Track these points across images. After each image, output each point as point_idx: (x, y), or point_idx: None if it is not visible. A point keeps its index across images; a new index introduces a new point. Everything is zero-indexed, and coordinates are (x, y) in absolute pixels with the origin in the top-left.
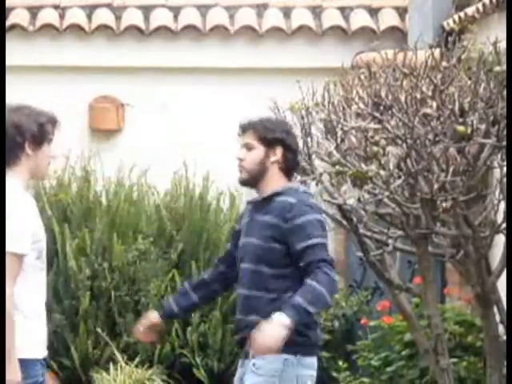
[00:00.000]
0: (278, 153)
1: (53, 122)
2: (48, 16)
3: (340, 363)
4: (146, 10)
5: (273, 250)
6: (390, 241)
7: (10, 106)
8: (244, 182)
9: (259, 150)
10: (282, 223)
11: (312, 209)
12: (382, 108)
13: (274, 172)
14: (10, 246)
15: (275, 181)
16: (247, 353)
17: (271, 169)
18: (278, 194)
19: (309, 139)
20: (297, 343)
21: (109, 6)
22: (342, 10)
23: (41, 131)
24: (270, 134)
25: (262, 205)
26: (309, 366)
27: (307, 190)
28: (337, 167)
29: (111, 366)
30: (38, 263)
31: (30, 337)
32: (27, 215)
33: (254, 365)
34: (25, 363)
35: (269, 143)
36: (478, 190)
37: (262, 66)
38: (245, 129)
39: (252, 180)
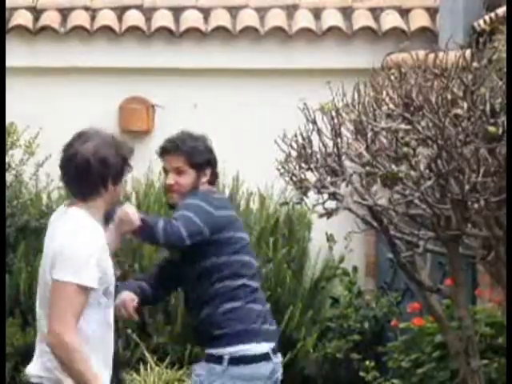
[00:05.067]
0: (208, 173)
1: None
2: (79, 18)
3: (370, 365)
4: (177, 12)
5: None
6: (420, 242)
7: (87, 133)
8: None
9: (191, 175)
10: None
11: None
12: (412, 109)
13: (203, 188)
14: (75, 277)
15: None
16: None
17: (200, 187)
18: None
19: (339, 140)
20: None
21: (139, 7)
22: (373, 10)
23: (124, 166)
24: (200, 158)
25: None
26: None
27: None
28: (367, 168)
29: (141, 366)
30: (103, 300)
31: None
32: (96, 250)
33: None
34: None
35: (200, 167)
36: None
37: (293, 67)
38: (170, 150)
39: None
